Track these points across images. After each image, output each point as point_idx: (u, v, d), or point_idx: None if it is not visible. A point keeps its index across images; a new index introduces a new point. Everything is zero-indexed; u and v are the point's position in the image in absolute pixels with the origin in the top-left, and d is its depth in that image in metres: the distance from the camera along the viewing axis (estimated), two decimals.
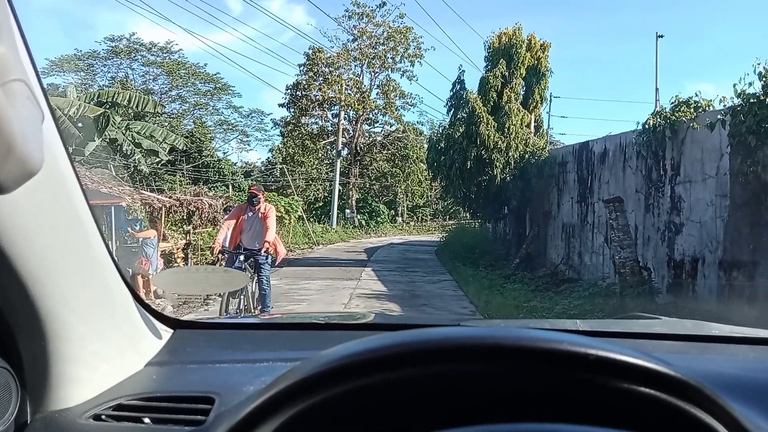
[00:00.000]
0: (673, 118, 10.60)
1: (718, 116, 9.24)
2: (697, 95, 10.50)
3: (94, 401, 1.04)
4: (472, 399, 0.62)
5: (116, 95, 24.06)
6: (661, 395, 0.60)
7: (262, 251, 8.28)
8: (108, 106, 23.03)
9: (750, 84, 8.70)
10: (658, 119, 10.99)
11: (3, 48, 0.64)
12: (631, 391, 0.59)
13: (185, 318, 9.18)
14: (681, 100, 10.68)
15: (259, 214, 8.38)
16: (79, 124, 21.97)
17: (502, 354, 0.61)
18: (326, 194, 41.27)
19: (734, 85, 8.86)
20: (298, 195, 31.95)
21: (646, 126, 11.22)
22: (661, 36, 25.36)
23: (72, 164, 0.96)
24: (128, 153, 24.13)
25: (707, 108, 10.16)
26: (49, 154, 0.75)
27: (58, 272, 0.95)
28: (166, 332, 1.39)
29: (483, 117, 16.99)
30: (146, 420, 1.02)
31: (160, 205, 14.93)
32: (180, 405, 1.05)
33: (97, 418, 1.01)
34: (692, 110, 10.36)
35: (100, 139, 22.58)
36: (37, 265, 0.90)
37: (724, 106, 9.32)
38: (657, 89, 24.65)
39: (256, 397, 0.65)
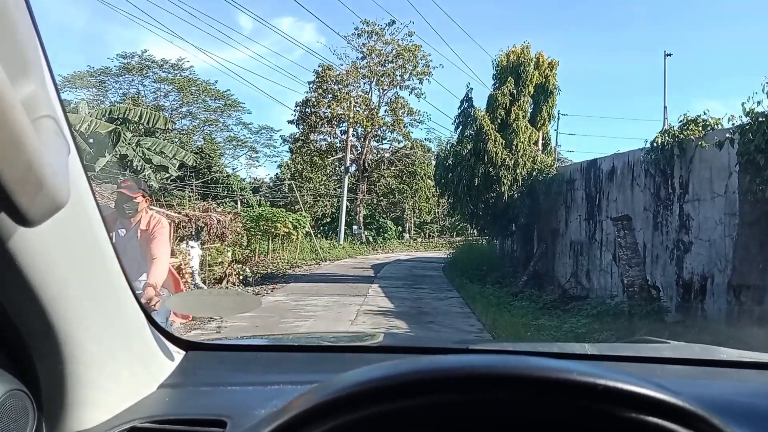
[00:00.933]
0: (682, 136, 10.59)
1: (727, 135, 9.23)
2: (705, 113, 10.52)
3: (108, 423, 1.06)
4: (480, 427, 0.63)
5: (127, 111, 24.30)
6: (668, 424, 0.60)
7: (144, 298, 4.39)
8: (119, 123, 23.26)
9: (759, 103, 8.71)
10: (667, 137, 10.98)
11: (34, 85, 0.67)
12: (641, 421, 0.60)
13: (193, 334, 9.18)
14: (689, 118, 10.68)
15: (137, 231, 5.20)
16: (90, 140, 22.19)
17: (513, 383, 0.62)
18: (334, 210, 41.31)
19: (743, 104, 8.87)
20: (306, 211, 32.01)
21: (655, 144, 11.21)
22: (669, 54, 25.47)
23: (93, 192, 0.99)
24: (138, 169, 24.30)
25: (716, 126, 10.16)
26: (73, 185, 0.78)
27: (77, 297, 0.97)
28: (179, 354, 1.40)
29: (491, 134, 17.03)
30: None
31: (169, 221, 14.98)
32: (193, 428, 1.06)
33: None
34: (701, 129, 10.35)
35: (111, 155, 22.78)
36: (57, 291, 0.92)
37: (733, 124, 9.32)
38: (665, 107, 24.70)
39: (268, 422, 0.65)
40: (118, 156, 23.23)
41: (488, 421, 0.63)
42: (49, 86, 0.77)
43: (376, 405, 0.62)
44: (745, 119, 8.93)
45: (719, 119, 10.16)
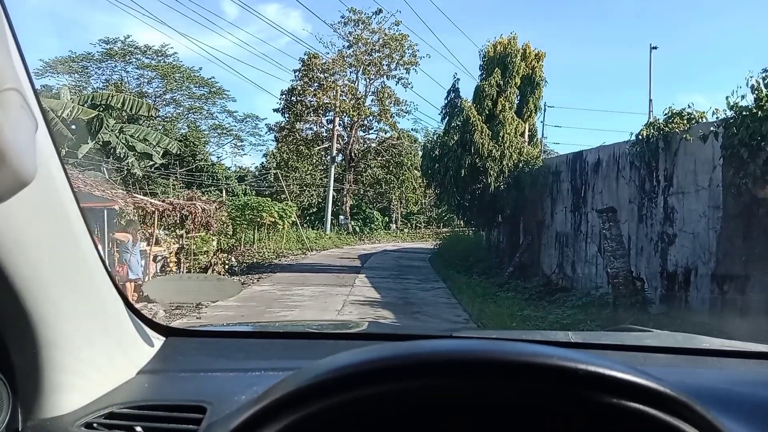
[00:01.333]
0: (667, 129, 10.67)
1: (711, 128, 9.31)
2: (690, 107, 10.59)
3: (85, 409, 1.04)
4: (460, 412, 0.62)
5: (110, 98, 24.02)
6: (650, 410, 0.60)
7: None
8: (102, 109, 22.99)
9: (743, 97, 8.78)
10: (652, 130, 11.05)
11: None
12: (621, 405, 0.60)
13: (177, 323, 9.15)
14: (674, 111, 10.76)
15: None
16: (73, 127, 21.90)
17: (492, 368, 0.61)
18: (320, 200, 41.26)
19: (727, 98, 8.94)
20: (291, 200, 31.93)
21: (640, 137, 11.28)
22: (655, 47, 25.56)
23: (65, 172, 0.96)
24: (121, 156, 24.06)
25: (700, 120, 10.24)
26: (41, 163, 0.75)
27: (50, 281, 0.95)
28: (159, 340, 1.38)
29: (477, 125, 17.05)
30: (138, 429, 1.02)
31: (153, 209, 14.87)
32: (172, 414, 1.05)
33: (89, 426, 1.01)
34: (685, 122, 10.43)
35: (94, 142, 22.52)
36: (30, 274, 0.89)
37: (717, 118, 9.39)
38: (651, 100, 24.78)
39: (248, 407, 0.64)
40: (100, 143, 22.97)
41: (467, 407, 0.62)
42: (15, 59, 0.74)
43: (354, 390, 0.61)
44: (729, 113, 9.00)
45: (704, 113, 10.24)
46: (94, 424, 1.01)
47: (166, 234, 15.49)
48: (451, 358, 0.62)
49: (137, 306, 1.34)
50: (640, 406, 0.59)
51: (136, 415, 1.04)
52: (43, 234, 0.91)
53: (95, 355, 1.10)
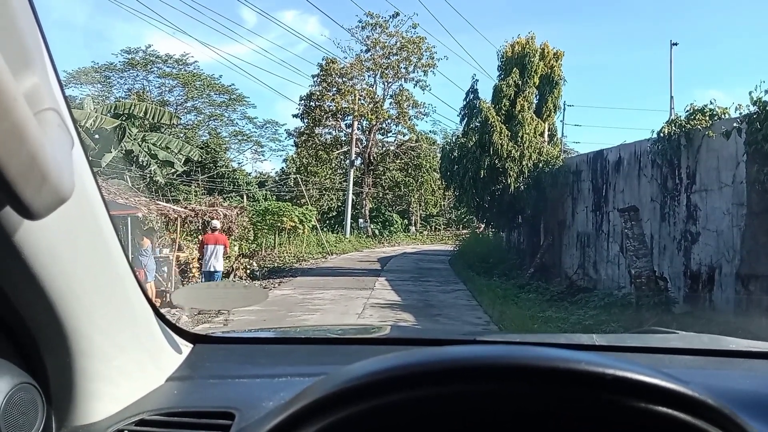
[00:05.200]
0: (689, 126, 10.53)
1: (734, 124, 9.17)
2: (712, 103, 10.45)
3: (117, 416, 1.06)
4: (489, 418, 0.63)
5: (132, 107, 24.34)
6: (679, 415, 0.60)
7: None
8: (124, 118, 23.31)
9: (766, 92, 8.63)
10: (673, 127, 10.92)
11: (36, 78, 0.66)
12: (649, 410, 0.60)
13: (200, 328, 9.23)
14: (696, 108, 10.61)
15: None
16: (96, 136, 22.24)
17: (521, 374, 0.62)
18: (340, 204, 41.35)
19: (750, 93, 8.81)
20: (311, 205, 32.04)
21: (661, 134, 11.15)
22: (676, 44, 25.24)
23: (98, 185, 0.99)
24: (144, 164, 24.37)
25: (723, 116, 10.09)
26: (77, 179, 0.77)
27: (83, 291, 0.97)
28: (186, 347, 1.41)
29: (496, 126, 16.98)
30: None
31: (176, 216, 15.04)
32: (201, 420, 1.07)
33: None
34: (707, 118, 10.28)
35: (117, 151, 22.85)
36: (64, 285, 0.92)
37: (740, 114, 9.24)
38: (672, 97, 24.48)
39: (277, 414, 0.65)
40: (123, 151, 23.30)
41: (494, 411, 0.63)
42: (51, 79, 0.77)
43: (382, 396, 0.62)
44: (753, 108, 8.86)
45: (726, 109, 10.09)
46: (125, 431, 1.04)
47: (188, 240, 15.68)
48: (481, 364, 0.63)
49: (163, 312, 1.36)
50: (670, 411, 0.60)
51: (167, 422, 1.06)
52: (77, 246, 0.94)
53: (126, 363, 1.13)
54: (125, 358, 1.12)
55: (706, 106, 10.51)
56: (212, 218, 15.41)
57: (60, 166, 0.66)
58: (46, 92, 0.68)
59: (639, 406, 0.60)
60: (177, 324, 1.43)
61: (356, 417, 0.62)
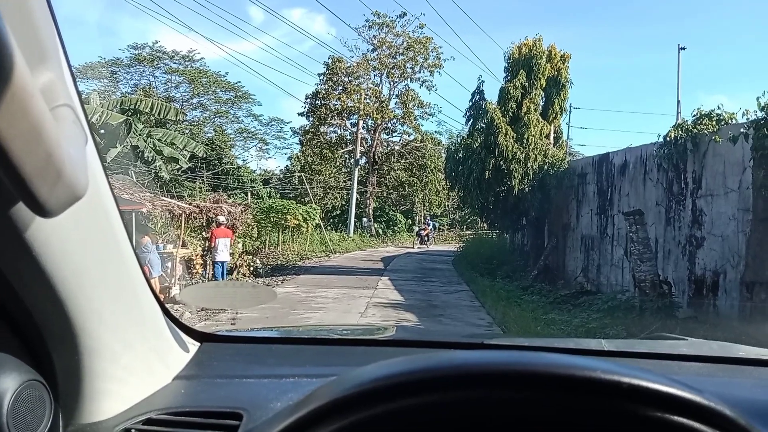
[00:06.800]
0: (695, 130, 10.50)
1: (741, 129, 9.14)
2: (719, 108, 10.41)
3: (124, 415, 1.06)
4: (500, 424, 0.62)
5: (139, 102, 24.41)
6: (694, 425, 0.59)
7: None
8: (130, 114, 23.38)
9: None
10: (680, 132, 10.89)
11: (51, 74, 0.66)
12: (665, 420, 0.59)
13: (203, 324, 9.24)
14: (703, 112, 10.58)
15: None
16: (102, 131, 22.31)
17: (535, 381, 0.61)
18: (344, 203, 41.34)
19: (758, 98, 8.77)
20: (316, 203, 32.06)
21: (668, 138, 11.12)
22: (683, 48, 25.07)
23: (109, 182, 0.98)
24: (149, 160, 24.42)
25: (729, 121, 10.05)
26: (90, 176, 0.77)
27: (93, 289, 0.97)
28: (194, 345, 1.40)
29: (502, 127, 16.95)
30: None
31: (180, 212, 15.06)
32: (208, 420, 1.06)
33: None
34: (714, 123, 10.25)
35: (122, 146, 22.92)
36: (75, 283, 0.91)
37: (747, 119, 9.21)
38: (678, 101, 24.33)
39: (286, 416, 0.65)
40: (129, 147, 23.36)
41: (507, 418, 0.62)
42: (66, 75, 0.76)
43: (397, 400, 0.61)
44: (760, 114, 8.83)
45: (733, 114, 10.05)
46: (133, 430, 1.03)
47: (192, 237, 15.71)
48: (495, 371, 0.62)
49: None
50: (686, 420, 0.59)
51: (174, 421, 1.06)
52: (88, 244, 0.93)
53: (134, 362, 1.12)
54: (133, 357, 1.12)
55: (713, 110, 10.48)
56: (217, 215, 15.56)
57: (74, 163, 0.65)
58: (61, 88, 0.67)
59: (654, 415, 0.59)
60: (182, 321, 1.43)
61: (366, 421, 0.61)
